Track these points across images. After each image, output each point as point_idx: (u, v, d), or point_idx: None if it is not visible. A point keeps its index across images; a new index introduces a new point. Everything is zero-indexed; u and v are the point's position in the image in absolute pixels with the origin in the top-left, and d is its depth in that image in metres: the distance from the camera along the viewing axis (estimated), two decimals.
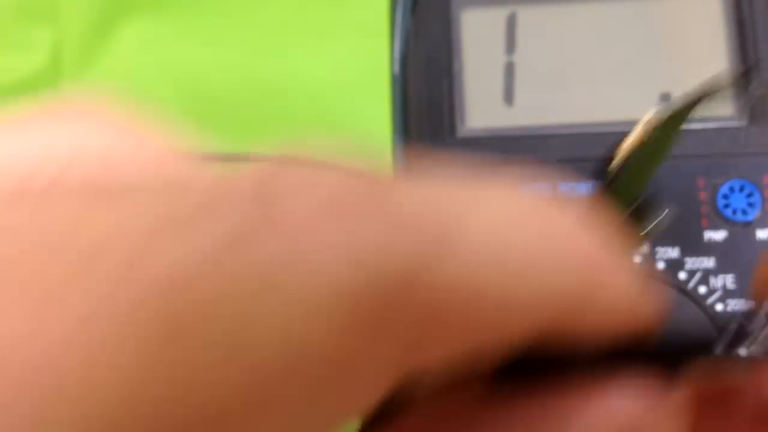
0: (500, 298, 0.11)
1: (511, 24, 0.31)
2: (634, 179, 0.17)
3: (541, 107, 0.30)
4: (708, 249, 0.28)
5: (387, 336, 0.10)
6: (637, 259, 0.13)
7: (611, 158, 0.17)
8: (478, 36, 0.31)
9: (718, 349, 0.13)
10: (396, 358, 0.10)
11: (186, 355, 0.08)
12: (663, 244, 0.28)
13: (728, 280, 0.28)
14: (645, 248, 0.16)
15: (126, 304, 0.08)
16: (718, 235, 0.28)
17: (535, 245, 0.12)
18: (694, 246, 0.28)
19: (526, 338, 0.11)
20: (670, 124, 0.18)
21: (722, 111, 0.30)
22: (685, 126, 0.18)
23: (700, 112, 0.18)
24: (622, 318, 0.13)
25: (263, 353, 0.09)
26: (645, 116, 0.18)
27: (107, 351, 0.08)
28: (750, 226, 0.28)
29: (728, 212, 0.28)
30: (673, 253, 0.28)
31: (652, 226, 0.16)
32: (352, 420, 0.10)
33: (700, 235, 0.28)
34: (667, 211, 0.17)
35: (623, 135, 0.30)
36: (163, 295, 0.08)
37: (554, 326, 0.12)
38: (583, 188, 0.29)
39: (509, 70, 0.31)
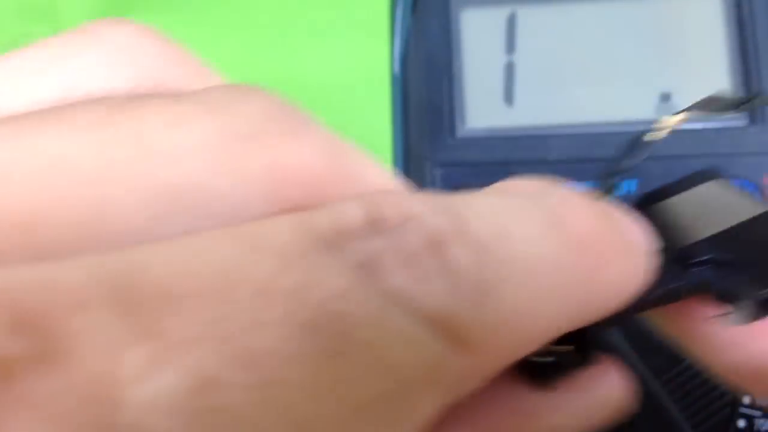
0: (528, 328, 0.12)
1: (511, 24, 0.31)
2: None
3: (541, 107, 0.30)
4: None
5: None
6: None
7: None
8: (478, 36, 0.31)
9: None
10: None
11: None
12: None
13: None
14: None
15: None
16: None
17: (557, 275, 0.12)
18: None
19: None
20: None
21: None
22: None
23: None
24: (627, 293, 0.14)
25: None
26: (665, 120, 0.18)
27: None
28: None
29: None
30: None
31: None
32: None
33: None
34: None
35: (623, 135, 0.30)
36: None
37: (558, 333, 0.13)
38: (583, 188, 0.29)
39: (509, 70, 0.31)
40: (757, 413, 0.27)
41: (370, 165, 0.14)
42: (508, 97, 0.31)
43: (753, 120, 0.30)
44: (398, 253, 0.11)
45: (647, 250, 0.14)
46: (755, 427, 0.27)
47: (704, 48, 0.31)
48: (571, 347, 0.14)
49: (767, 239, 0.15)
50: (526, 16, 0.31)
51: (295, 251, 0.10)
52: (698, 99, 0.19)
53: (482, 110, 0.30)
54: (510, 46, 0.31)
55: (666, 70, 0.31)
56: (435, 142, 0.30)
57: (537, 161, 0.29)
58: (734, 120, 0.30)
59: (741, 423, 0.27)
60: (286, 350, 0.09)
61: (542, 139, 0.30)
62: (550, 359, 0.14)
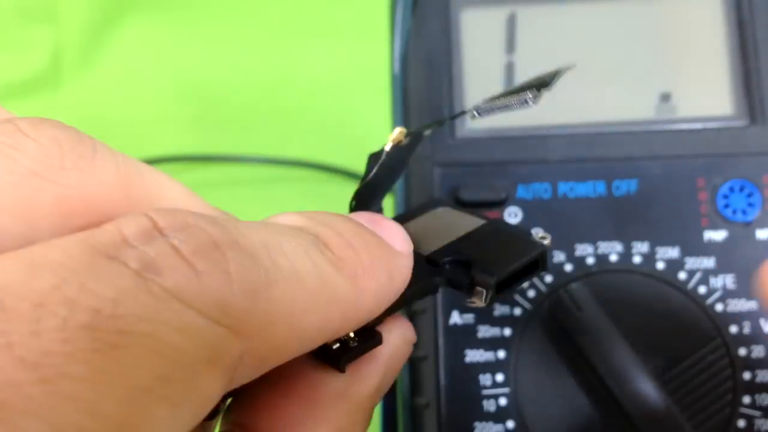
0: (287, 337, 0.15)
1: (511, 24, 0.31)
2: (378, 190, 0.22)
3: (541, 107, 0.30)
4: (708, 249, 0.28)
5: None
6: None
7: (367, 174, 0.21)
8: (478, 36, 0.31)
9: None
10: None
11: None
12: (663, 244, 0.28)
13: (728, 280, 0.28)
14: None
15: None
16: (718, 235, 0.28)
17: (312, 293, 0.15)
18: (694, 246, 0.28)
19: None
20: (409, 146, 0.22)
21: (722, 111, 0.30)
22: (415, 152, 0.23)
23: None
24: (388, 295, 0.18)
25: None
26: (392, 135, 0.21)
27: None
28: (750, 226, 0.28)
29: (728, 212, 0.29)
30: (673, 253, 0.28)
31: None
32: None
33: (700, 235, 0.28)
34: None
35: (623, 135, 0.30)
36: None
37: (341, 330, 0.16)
38: (583, 188, 0.29)
39: (509, 70, 0.31)
40: (757, 413, 0.27)
41: (168, 185, 0.17)
42: None
43: (753, 120, 0.30)
44: (175, 257, 0.13)
45: (407, 252, 0.18)
46: (755, 427, 0.27)
47: (704, 48, 0.31)
48: (351, 334, 0.17)
49: (488, 242, 0.21)
50: (526, 16, 0.31)
51: (74, 264, 0.12)
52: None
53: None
54: (510, 46, 0.31)
55: (666, 70, 0.31)
56: (435, 142, 0.30)
57: (537, 161, 0.29)
58: (734, 120, 0.30)
59: (741, 423, 0.27)
60: (66, 349, 0.11)
61: (542, 139, 0.30)
62: (336, 345, 0.17)
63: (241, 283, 0.13)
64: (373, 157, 0.21)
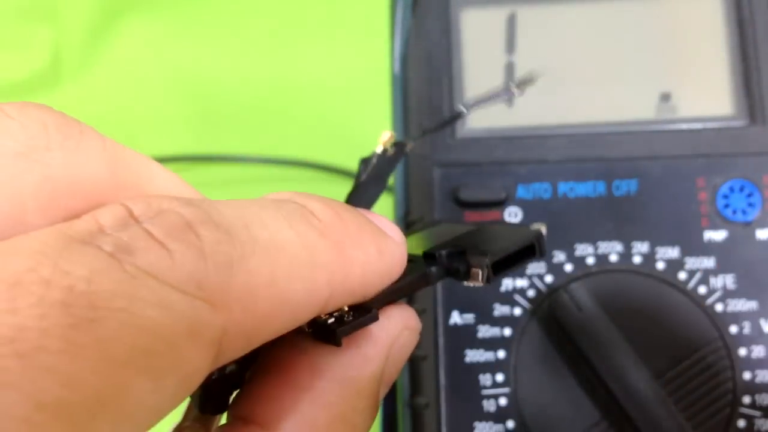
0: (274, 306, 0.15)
1: (511, 24, 0.31)
2: (367, 196, 0.22)
3: (541, 107, 0.30)
4: (708, 249, 0.28)
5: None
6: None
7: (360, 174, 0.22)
8: (478, 36, 0.31)
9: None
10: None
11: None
12: (663, 244, 0.28)
13: (728, 280, 0.28)
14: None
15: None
16: (718, 235, 0.28)
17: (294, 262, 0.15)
18: (694, 246, 0.28)
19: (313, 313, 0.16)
20: (393, 157, 0.23)
21: (722, 111, 0.30)
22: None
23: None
24: (379, 274, 0.17)
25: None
26: (382, 137, 0.22)
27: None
28: (750, 226, 0.28)
29: (728, 212, 0.29)
30: (673, 253, 0.28)
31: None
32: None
33: (700, 235, 0.28)
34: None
35: (623, 135, 0.30)
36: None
37: (331, 300, 0.16)
38: (583, 188, 0.29)
39: (509, 70, 0.31)
40: (757, 413, 0.27)
41: (154, 168, 0.17)
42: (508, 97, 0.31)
43: (753, 120, 0.30)
44: (148, 239, 0.13)
45: (398, 238, 0.18)
46: (755, 427, 0.27)
47: (704, 48, 0.31)
48: (345, 309, 0.17)
49: (484, 235, 0.21)
50: (526, 16, 0.31)
51: (49, 250, 0.13)
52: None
53: (482, 110, 0.30)
54: (510, 46, 0.31)
55: (666, 70, 0.31)
56: (435, 142, 0.30)
57: (537, 161, 0.29)
58: (734, 120, 0.30)
59: (741, 423, 0.27)
60: (43, 325, 0.12)
61: (542, 139, 0.30)
62: (331, 319, 0.17)
63: (215, 257, 0.14)
64: (364, 162, 0.22)
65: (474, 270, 0.20)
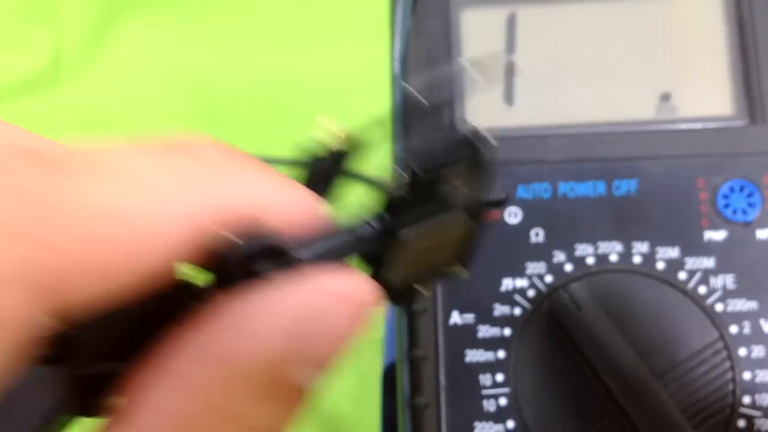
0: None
1: (511, 24, 0.31)
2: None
3: (541, 107, 0.30)
4: (708, 249, 0.28)
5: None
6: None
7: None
8: (478, 36, 0.31)
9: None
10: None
11: None
12: (663, 244, 0.28)
13: (728, 280, 0.28)
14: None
15: None
16: (718, 235, 0.28)
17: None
18: (694, 246, 0.28)
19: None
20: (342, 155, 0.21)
21: (722, 111, 0.30)
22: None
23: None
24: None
25: None
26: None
27: None
28: (750, 226, 0.28)
29: (728, 212, 0.29)
30: (673, 253, 0.28)
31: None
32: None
33: (700, 235, 0.28)
34: None
35: (623, 135, 0.30)
36: None
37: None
38: (583, 188, 0.29)
39: (509, 70, 0.31)
40: (758, 413, 0.27)
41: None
42: (508, 97, 0.31)
43: (753, 120, 0.30)
44: None
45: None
46: (755, 427, 0.27)
47: (704, 48, 0.31)
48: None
49: None
50: (526, 16, 0.31)
51: None
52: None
53: (482, 110, 0.30)
54: (510, 46, 0.31)
55: (666, 70, 0.31)
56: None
57: (537, 161, 0.29)
58: (734, 120, 0.30)
59: (741, 423, 0.27)
60: None
61: (542, 139, 0.30)
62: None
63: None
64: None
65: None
